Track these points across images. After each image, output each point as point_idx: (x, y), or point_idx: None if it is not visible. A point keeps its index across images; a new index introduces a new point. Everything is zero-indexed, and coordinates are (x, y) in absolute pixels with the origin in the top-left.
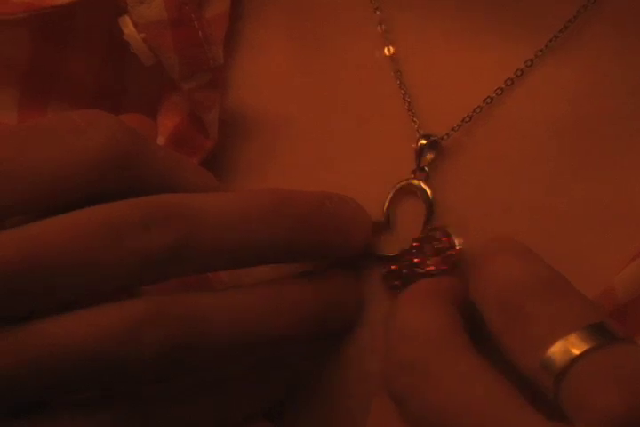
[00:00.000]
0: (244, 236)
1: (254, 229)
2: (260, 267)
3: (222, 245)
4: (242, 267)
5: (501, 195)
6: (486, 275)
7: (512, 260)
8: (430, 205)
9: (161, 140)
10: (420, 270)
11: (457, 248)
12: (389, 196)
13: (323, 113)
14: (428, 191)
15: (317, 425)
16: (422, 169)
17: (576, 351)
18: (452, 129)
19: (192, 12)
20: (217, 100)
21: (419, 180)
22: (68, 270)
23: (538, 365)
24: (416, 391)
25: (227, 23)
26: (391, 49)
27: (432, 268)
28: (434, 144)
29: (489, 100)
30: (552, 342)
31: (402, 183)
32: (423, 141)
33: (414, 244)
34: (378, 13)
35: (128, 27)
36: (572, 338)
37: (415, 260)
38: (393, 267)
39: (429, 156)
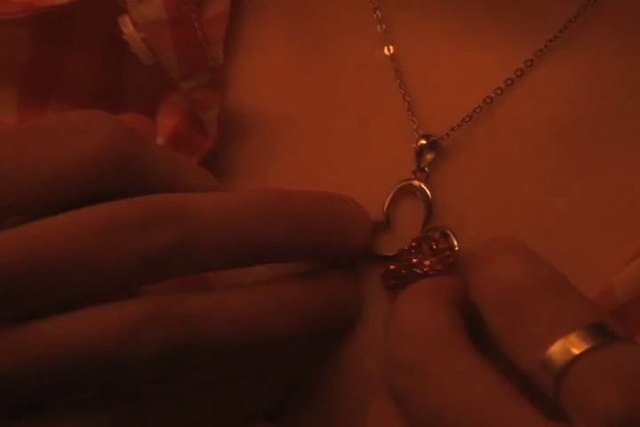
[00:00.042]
0: (244, 235)
1: (254, 229)
2: (260, 267)
3: (222, 245)
4: (241, 266)
5: (501, 195)
6: (486, 275)
7: (512, 260)
8: (429, 206)
9: (160, 140)
10: (419, 271)
11: (454, 249)
12: (389, 196)
13: (323, 113)
14: (428, 192)
15: (317, 425)
16: (422, 169)
17: (576, 351)
18: (452, 129)
19: (191, 12)
20: (216, 100)
21: (419, 180)
22: (68, 270)
23: (538, 364)
24: (416, 391)
25: (226, 23)
26: (391, 49)
27: (427, 268)
28: (434, 144)
29: (489, 100)
30: (552, 342)
31: (402, 183)
32: (423, 141)
33: (413, 244)
34: (378, 13)
35: (127, 26)
36: (572, 338)
37: (413, 260)
38: (392, 267)
39: (429, 156)
